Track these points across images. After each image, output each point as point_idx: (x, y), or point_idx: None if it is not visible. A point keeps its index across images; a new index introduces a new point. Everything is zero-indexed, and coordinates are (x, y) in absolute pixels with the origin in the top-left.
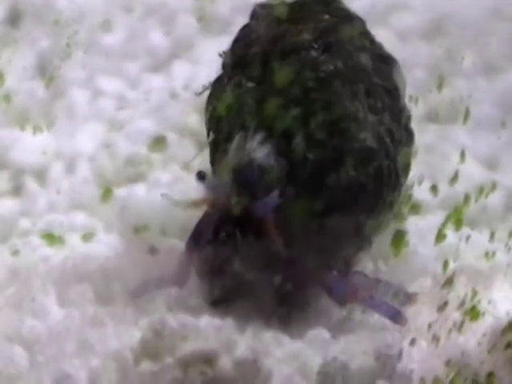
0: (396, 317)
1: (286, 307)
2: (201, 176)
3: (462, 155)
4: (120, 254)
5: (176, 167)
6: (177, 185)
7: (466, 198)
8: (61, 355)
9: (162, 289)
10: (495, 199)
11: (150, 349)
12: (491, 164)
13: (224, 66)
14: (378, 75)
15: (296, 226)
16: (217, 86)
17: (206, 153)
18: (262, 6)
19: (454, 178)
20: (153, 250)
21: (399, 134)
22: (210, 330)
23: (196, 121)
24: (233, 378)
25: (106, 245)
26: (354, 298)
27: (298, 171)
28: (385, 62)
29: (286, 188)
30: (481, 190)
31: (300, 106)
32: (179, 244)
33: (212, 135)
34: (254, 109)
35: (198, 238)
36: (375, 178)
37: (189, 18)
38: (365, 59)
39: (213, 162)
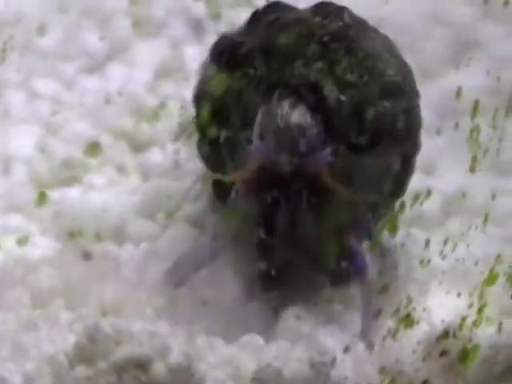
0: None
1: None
2: (248, 139)
3: None
4: (55, 258)
5: (111, 170)
6: (112, 187)
7: (402, 205)
8: None
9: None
10: (431, 205)
11: (84, 353)
12: (427, 170)
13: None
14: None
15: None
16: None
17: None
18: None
19: None
20: (87, 255)
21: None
22: (143, 335)
23: (131, 123)
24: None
25: (41, 248)
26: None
27: (336, 117)
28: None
29: (337, 146)
30: (416, 197)
31: (321, 59)
32: (113, 248)
33: (224, 133)
34: (270, 83)
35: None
36: (408, 112)
37: (124, 21)
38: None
39: (231, 157)
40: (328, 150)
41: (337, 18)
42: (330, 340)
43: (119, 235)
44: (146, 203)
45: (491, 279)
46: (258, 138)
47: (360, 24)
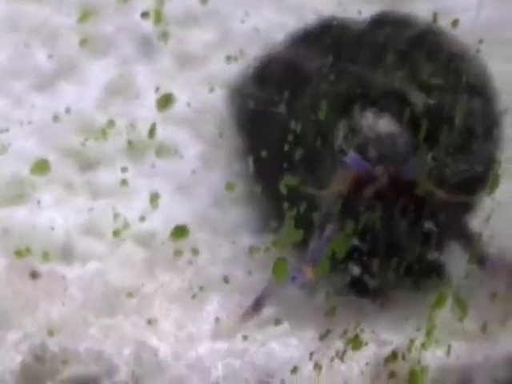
0: None
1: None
2: (342, 151)
3: None
4: (1, 276)
5: (59, 188)
6: (60, 206)
7: None
8: None
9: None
10: None
11: (30, 373)
12: None
13: None
14: None
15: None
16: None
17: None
18: None
19: None
20: (34, 274)
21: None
22: (90, 355)
23: (79, 141)
24: None
25: None
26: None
27: (426, 121)
28: None
29: (426, 152)
30: None
31: (403, 66)
32: (61, 267)
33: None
34: (349, 96)
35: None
36: (494, 111)
37: (72, 38)
38: None
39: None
40: (421, 156)
41: (408, 25)
42: (278, 361)
43: (67, 254)
44: (93, 222)
45: (439, 302)
46: (347, 150)
47: (433, 28)
